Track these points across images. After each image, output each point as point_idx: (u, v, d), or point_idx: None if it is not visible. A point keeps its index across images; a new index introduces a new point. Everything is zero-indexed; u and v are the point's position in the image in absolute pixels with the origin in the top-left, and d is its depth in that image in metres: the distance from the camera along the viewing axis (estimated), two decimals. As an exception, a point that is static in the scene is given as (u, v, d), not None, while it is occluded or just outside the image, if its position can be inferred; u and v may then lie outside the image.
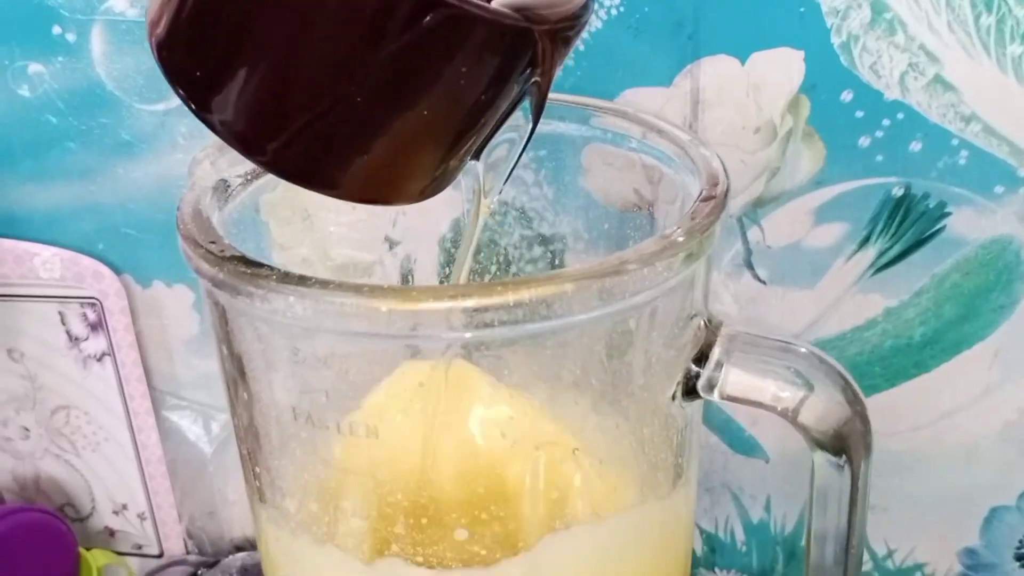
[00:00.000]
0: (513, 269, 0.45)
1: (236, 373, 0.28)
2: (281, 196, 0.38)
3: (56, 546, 0.63)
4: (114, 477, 0.69)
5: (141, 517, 0.70)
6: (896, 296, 0.56)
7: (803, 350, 0.28)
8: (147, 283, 0.63)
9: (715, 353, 0.28)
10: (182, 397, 0.66)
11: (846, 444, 0.28)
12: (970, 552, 0.61)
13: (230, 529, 0.70)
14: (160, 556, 0.70)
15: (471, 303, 0.23)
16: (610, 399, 0.27)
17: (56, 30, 0.57)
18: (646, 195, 0.43)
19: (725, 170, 0.30)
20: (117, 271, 0.63)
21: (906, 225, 0.54)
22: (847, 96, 0.51)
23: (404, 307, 0.23)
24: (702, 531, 0.65)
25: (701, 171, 0.30)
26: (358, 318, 0.23)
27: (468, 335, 0.23)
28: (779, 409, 0.27)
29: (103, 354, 0.65)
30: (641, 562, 0.29)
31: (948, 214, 0.53)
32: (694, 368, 0.28)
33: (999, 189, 0.52)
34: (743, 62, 0.51)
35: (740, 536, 0.64)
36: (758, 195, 0.55)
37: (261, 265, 0.25)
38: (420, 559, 0.27)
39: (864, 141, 0.52)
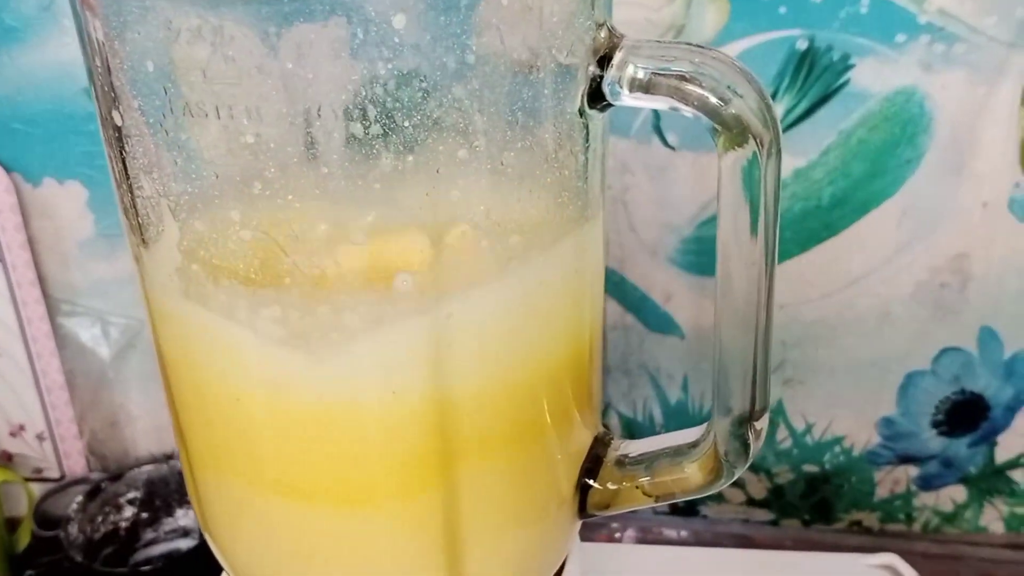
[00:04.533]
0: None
1: (109, 89, 0.26)
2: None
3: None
4: (9, 395, 0.66)
5: (40, 438, 0.67)
6: (804, 156, 0.55)
7: (712, 51, 0.27)
8: (37, 181, 0.61)
9: (620, 54, 0.27)
10: (78, 304, 0.64)
11: (764, 132, 0.26)
12: (887, 422, 0.61)
13: (134, 446, 0.68)
14: (62, 479, 0.67)
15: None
16: (512, 112, 0.26)
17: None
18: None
19: None
20: (6, 170, 0.60)
21: (811, 80, 0.54)
22: (749, -55, 0.51)
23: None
24: (621, 416, 0.64)
25: None
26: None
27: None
28: (695, 99, 0.26)
29: (-7, 260, 0.62)
30: (556, 302, 0.28)
31: (852, 66, 0.53)
32: (598, 70, 0.27)
33: (901, 38, 0.52)
34: (643, -90, 0.51)
35: (659, 419, 0.63)
36: (664, 54, 0.54)
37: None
38: (316, 271, 0.25)
39: (767, -9, 0.52)
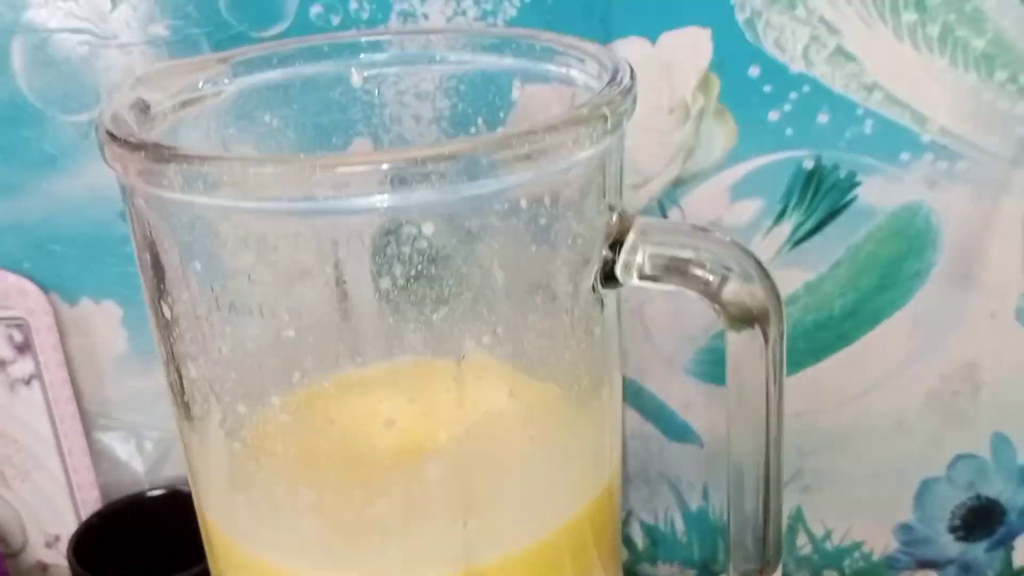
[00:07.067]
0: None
1: (158, 282, 0.28)
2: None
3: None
4: (45, 508, 0.67)
5: (74, 548, 0.68)
6: (814, 269, 0.57)
7: (718, 235, 0.29)
8: (74, 300, 0.63)
9: (631, 238, 0.29)
10: (113, 417, 0.65)
11: (765, 319, 0.28)
12: (905, 528, 0.62)
13: (166, 555, 0.69)
14: (94, 588, 0.68)
15: (388, 160, 0.23)
16: (531, 292, 0.28)
17: (-24, 44, 0.57)
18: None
19: (632, 71, 0.31)
20: (44, 290, 0.62)
21: (819, 197, 0.56)
22: (754, 72, 0.53)
23: (320, 165, 0.23)
24: (642, 524, 0.65)
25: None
26: (276, 185, 0.23)
27: (386, 199, 0.24)
28: (700, 284, 0.28)
29: (31, 377, 0.64)
30: (576, 471, 0.30)
31: (858, 184, 0.55)
32: (610, 254, 0.29)
33: (905, 156, 0.54)
34: (653, 42, 0.53)
35: (680, 527, 0.64)
36: (676, 175, 0.56)
37: (177, 148, 0.25)
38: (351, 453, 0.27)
39: (773, 115, 0.54)
